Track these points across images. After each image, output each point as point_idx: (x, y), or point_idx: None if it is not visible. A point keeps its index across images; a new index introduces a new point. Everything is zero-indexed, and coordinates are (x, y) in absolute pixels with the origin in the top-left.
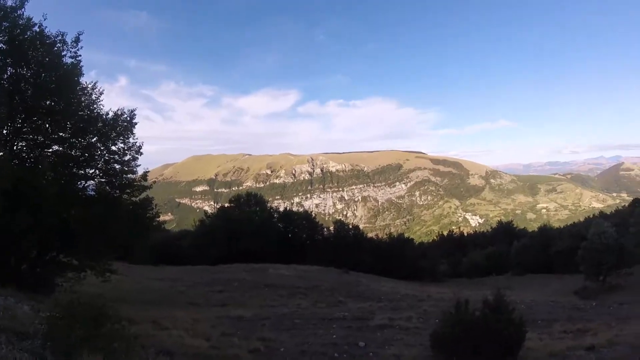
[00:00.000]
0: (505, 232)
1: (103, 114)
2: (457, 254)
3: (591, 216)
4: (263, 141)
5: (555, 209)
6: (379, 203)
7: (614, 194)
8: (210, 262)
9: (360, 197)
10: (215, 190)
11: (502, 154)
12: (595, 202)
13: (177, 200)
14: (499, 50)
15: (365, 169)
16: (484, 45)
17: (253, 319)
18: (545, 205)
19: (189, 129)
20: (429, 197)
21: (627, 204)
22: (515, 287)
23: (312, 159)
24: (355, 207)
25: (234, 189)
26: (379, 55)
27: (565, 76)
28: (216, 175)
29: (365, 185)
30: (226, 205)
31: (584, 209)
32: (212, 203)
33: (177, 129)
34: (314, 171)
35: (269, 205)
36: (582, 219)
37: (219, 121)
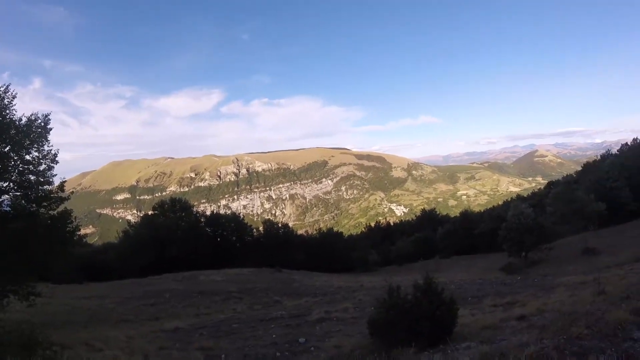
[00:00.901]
0: (429, 219)
1: (16, 120)
2: (385, 243)
3: (509, 199)
4: (186, 143)
5: (475, 195)
6: (307, 200)
7: (530, 179)
8: (139, 274)
9: (287, 195)
10: (137, 197)
11: (423, 147)
12: (512, 186)
13: (97, 211)
14: (419, 50)
15: (292, 167)
16: (404, 45)
17: (189, 329)
18: (465, 192)
19: (107, 133)
20: (355, 191)
21: (542, 187)
22: (443, 269)
23: (238, 160)
24: (283, 206)
25: (157, 195)
26: (304, 55)
27: (482, 73)
28: (137, 181)
29: (292, 183)
30: (150, 212)
31: (502, 193)
32: (135, 212)
33: (94, 134)
34: (239, 172)
35: (194, 209)
36: (500, 203)
37: (139, 124)
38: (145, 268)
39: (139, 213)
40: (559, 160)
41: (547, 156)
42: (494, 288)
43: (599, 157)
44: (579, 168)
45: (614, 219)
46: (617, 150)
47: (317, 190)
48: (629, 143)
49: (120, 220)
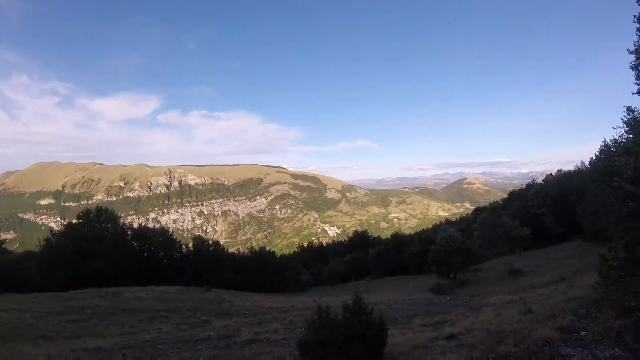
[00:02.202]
0: (361, 240)
1: None
2: (318, 263)
3: (438, 223)
4: (117, 150)
5: (406, 218)
6: (240, 217)
7: (458, 204)
8: (61, 288)
9: (220, 212)
10: (62, 203)
11: (358, 170)
12: (441, 211)
13: (19, 215)
14: (360, 77)
15: (226, 182)
16: (343, 70)
17: (112, 349)
18: (396, 215)
19: (38, 131)
20: (289, 211)
21: (470, 212)
22: (374, 289)
23: (170, 171)
24: (215, 222)
25: (83, 202)
26: (248, 70)
27: (417, 105)
28: (64, 186)
29: (225, 199)
30: (74, 221)
31: (432, 217)
32: (58, 219)
33: (24, 130)
34: (171, 184)
35: (122, 221)
36: (430, 226)
37: (71, 124)
38: (67, 281)
39: (63, 221)
40: (486, 187)
41: (475, 184)
42: (424, 308)
43: (524, 185)
44: (505, 195)
45: (538, 242)
46: (542, 180)
47: (251, 207)
48: (553, 174)
49: (43, 227)
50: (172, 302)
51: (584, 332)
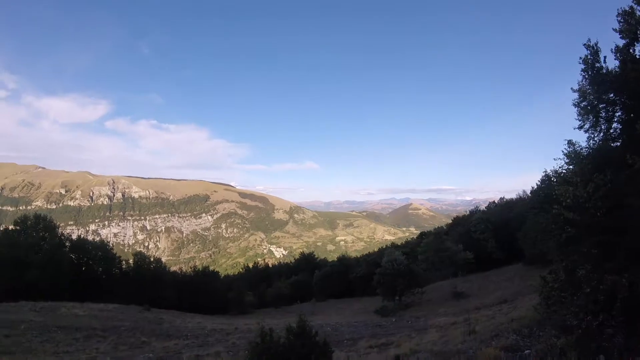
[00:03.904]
0: (307, 262)
1: None
2: (262, 285)
3: (384, 247)
4: (61, 154)
5: (353, 241)
6: (184, 234)
7: (404, 228)
8: None
9: (164, 228)
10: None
11: (307, 192)
12: (387, 235)
13: None
14: (306, 96)
15: (171, 197)
16: (290, 89)
17: None
18: (343, 237)
19: None
20: (235, 230)
21: (415, 237)
22: (320, 312)
23: (114, 182)
24: (158, 238)
25: (21, 207)
26: (198, 81)
27: (364, 132)
28: (2, 188)
29: (169, 215)
30: (11, 227)
31: (378, 240)
32: None
33: None
34: (114, 195)
35: (60, 231)
36: (376, 249)
37: (15, 122)
38: (0, 292)
39: None
40: (431, 213)
41: (420, 209)
42: (370, 330)
43: (468, 212)
44: (450, 221)
45: (481, 266)
46: (485, 207)
47: (196, 225)
48: (496, 201)
49: None
50: (109, 320)
51: (527, 351)
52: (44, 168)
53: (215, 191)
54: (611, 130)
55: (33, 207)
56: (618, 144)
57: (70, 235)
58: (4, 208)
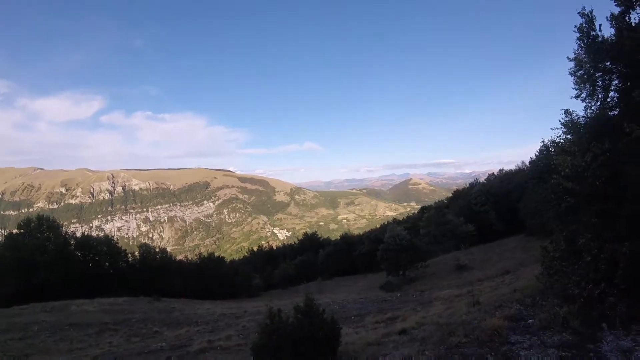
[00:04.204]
0: (311, 242)
1: None
2: (268, 267)
3: (386, 223)
4: (59, 153)
5: (355, 219)
6: (187, 223)
7: (405, 204)
8: (3, 304)
9: (166, 218)
10: (1, 212)
11: (307, 172)
12: (389, 211)
13: None
14: (306, 79)
15: (172, 187)
16: (290, 72)
17: None
18: (345, 216)
19: None
20: (237, 215)
21: (416, 211)
22: (326, 290)
23: (113, 176)
24: (161, 229)
25: (23, 210)
26: (193, 69)
27: (362, 107)
28: (3, 193)
29: (171, 204)
30: (15, 231)
31: (380, 217)
32: None
33: None
34: (115, 190)
35: (64, 230)
36: (378, 226)
37: (10, 126)
38: (9, 296)
39: (2, 231)
40: (431, 187)
41: (420, 184)
42: (376, 306)
43: (468, 185)
44: (450, 195)
45: (483, 238)
46: (485, 179)
47: (198, 212)
48: (495, 173)
49: None
50: (120, 313)
51: (531, 320)
52: (42, 169)
53: (215, 178)
54: (608, 99)
55: (35, 209)
56: (615, 112)
57: (75, 233)
58: (7, 213)
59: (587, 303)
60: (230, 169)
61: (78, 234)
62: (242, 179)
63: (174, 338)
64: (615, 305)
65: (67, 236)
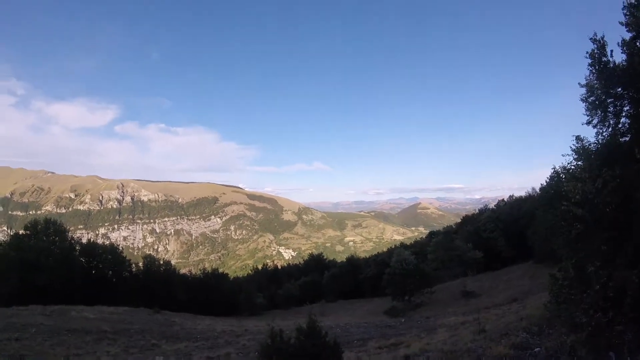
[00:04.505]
0: (316, 263)
1: None
2: (272, 286)
3: (393, 247)
4: (70, 158)
5: (361, 242)
6: (193, 237)
7: (413, 228)
8: (4, 303)
9: (173, 231)
10: (9, 212)
11: (315, 192)
12: (396, 235)
13: None
14: (315, 98)
15: (180, 200)
16: (300, 91)
17: None
18: (352, 238)
19: None
20: (244, 232)
21: (424, 236)
22: (329, 312)
23: (123, 185)
24: (167, 241)
25: (31, 212)
26: (207, 85)
27: (372, 130)
28: (12, 193)
29: (178, 217)
30: (21, 232)
31: (387, 241)
32: (4, 228)
33: None
34: (123, 199)
35: (70, 235)
36: (385, 250)
37: (25, 128)
38: (10, 296)
39: (9, 231)
40: (440, 212)
41: (429, 208)
42: (379, 330)
43: (477, 211)
44: (459, 220)
45: (490, 265)
46: (494, 206)
47: (205, 227)
48: (505, 199)
49: None
50: (119, 323)
51: (537, 349)
52: (53, 173)
53: (223, 193)
54: (619, 125)
55: (43, 211)
56: (627, 138)
57: (80, 239)
58: (15, 213)
59: (595, 331)
60: (240, 185)
61: (84, 240)
62: (251, 196)
63: (172, 352)
64: (623, 333)
65: (72, 241)
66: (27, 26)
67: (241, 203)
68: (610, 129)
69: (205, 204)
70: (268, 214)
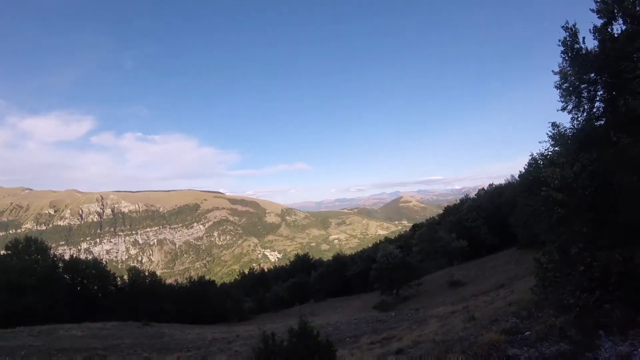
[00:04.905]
0: (303, 264)
1: None
2: (260, 290)
3: (378, 242)
4: (48, 174)
5: (346, 239)
6: (177, 246)
7: (396, 222)
8: None
9: (156, 241)
10: None
11: (297, 193)
12: (380, 230)
13: None
14: (295, 101)
15: (161, 209)
16: (278, 91)
17: None
18: (337, 236)
19: None
20: (228, 237)
21: (408, 229)
22: (319, 312)
23: (103, 198)
24: (150, 252)
25: (11, 231)
26: (184, 90)
27: (351, 126)
28: None
29: (161, 227)
30: (2, 252)
31: (371, 236)
32: None
33: None
34: (104, 212)
35: (52, 252)
36: (370, 245)
37: (0, 144)
38: None
39: None
40: (422, 205)
41: (411, 202)
42: (370, 326)
43: (458, 201)
44: (441, 211)
45: (475, 253)
46: (475, 195)
47: (188, 235)
48: (485, 188)
49: None
50: (109, 339)
51: (528, 332)
52: (31, 189)
53: (205, 200)
54: (594, 110)
55: (23, 229)
56: (602, 122)
57: (63, 256)
58: None
59: (583, 312)
60: (221, 190)
61: (66, 257)
62: (233, 201)
63: None
64: (611, 311)
65: (55, 258)
66: (4, 37)
67: (223, 208)
68: (585, 114)
69: (187, 212)
70: (251, 218)
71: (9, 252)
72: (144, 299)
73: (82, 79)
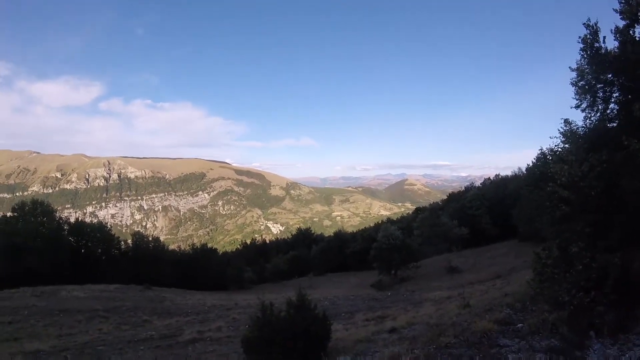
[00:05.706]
0: (304, 237)
1: None
2: (261, 260)
3: (380, 222)
4: (55, 138)
5: (349, 217)
6: (181, 213)
7: (400, 204)
8: None
9: (160, 207)
10: None
11: (303, 168)
12: (383, 210)
13: None
14: (303, 73)
15: (167, 176)
16: (288, 66)
17: (52, 352)
18: (339, 213)
19: None
20: (232, 207)
21: (411, 212)
22: (317, 286)
23: (109, 163)
24: (155, 218)
25: (18, 194)
26: (194, 59)
27: (361, 106)
28: None
29: (166, 194)
30: (8, 214)
31: (374, 216)
32: None
33: None
34: (110, 177)
35: (58, 215)
36: (372, 225)
37: (8, 109)
38: (0, 279)
39: None
40: (426, 189)
41: (416, 185)
42: (366, 303)
43: (463, 188)
44: (445, 197)
45: (475, 242)
46: (481, 184)
47: (193, 203)
48: (491, 178)
49: None
50: (111, 301)
51: (520, 325)
52: (38, 153)
53: (211, 169)
54: (608, 111)
55: (30, 192)
56: (614, 124)
57: (68, 219)
58: (1, 195)
59: (577, 310)
60: (227, 160)
61: (72, 220)
62: (239, 172)
63: (163, 327)
64: (604, 314)
65: (61, 221)
66: (8, 5)
67: (229, 178)
68: (598, 114)
69: (192, 180)
70: (256, 189)
71: (15, 214)
72: (146, 263)
73: (91, 45)
